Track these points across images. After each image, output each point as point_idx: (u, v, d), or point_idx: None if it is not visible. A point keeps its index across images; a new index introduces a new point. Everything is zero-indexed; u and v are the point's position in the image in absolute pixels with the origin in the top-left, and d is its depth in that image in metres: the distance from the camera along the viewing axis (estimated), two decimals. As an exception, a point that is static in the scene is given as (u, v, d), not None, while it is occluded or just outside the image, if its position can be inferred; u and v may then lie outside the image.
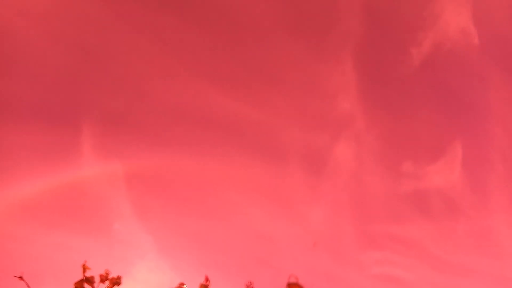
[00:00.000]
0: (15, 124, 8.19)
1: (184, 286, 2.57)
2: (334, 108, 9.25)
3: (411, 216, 9.09)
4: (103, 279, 2.45)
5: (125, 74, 8.96)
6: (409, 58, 8.92)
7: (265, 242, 8.88)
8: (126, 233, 8.29)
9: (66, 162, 8.40)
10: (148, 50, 9.04)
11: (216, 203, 9.10)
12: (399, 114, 9.43)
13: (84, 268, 2.44)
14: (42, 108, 8.44)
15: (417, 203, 9.07)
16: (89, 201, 8.56)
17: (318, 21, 8.97)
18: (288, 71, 9.50)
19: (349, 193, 9.33)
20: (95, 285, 2.40)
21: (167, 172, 9.22)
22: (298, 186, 9.18)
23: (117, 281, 2.49)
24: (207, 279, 2.40)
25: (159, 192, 9.17)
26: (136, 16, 8.65)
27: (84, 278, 2.41)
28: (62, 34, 8.27)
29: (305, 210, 9.19)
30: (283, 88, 9.63)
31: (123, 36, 8.74)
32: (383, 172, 9.32)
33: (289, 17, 9.06)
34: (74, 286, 2.38)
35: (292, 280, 2.19)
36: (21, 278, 2.20)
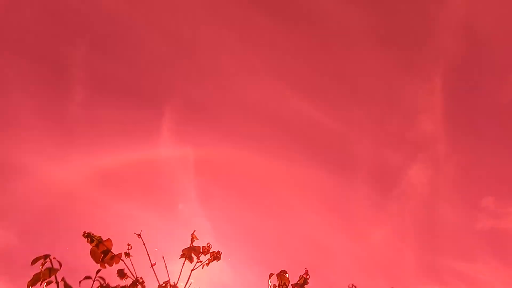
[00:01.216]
0: (109, 99, 9.09)
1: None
2: (415, 128, 8.70)
3: (483, 256, 8.21)
4: (205, 251, 2.52)
5: (211, 67, 9.39)
6: (507, 86, 7.96)
7: (319, 251, 8.69)
8: (188, 215, 8.74)
9: (146, 140, 9.11)
10: (236, 46, 9.35)
11: (277, 203, 9.15)
12: (485, 144, 8.52)
13: (193, 238, 2.53)
14: (133, 88, 9.24)
15: (492, 243, 8.17)
16: (160, 179, 9.17)
17: (411, 35, 8.47)
18: (371, 83, 9.14)
19: (417, 219, 8.74)
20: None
21: (234, 165, 9.50)
22: (363, 202, 8.84)
23: (217, 255, 2.55)
24: (307, 273, 2.41)
25: (224, 183, 9.48)
26: (229, 12, 8.99)
27: (192, 247, 2.50)
28: (160, 23, 8.95)
29: (367, 228, 8.83)
30: (364, 99, 9.29)
31: (214, 31, 9.16)
32: (458, 203, 8.53)
33: (380, 28, 8.69)
34: (182, 252, 2.50)
35: None
36: (139, 235, 2.38)
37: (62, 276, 2.14)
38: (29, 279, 2.13)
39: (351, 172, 8.93)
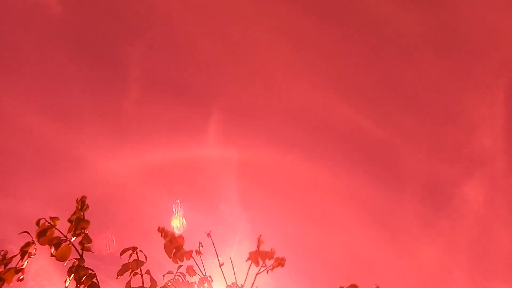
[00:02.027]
0: (161, 97, 9.49)
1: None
2: (472, 142, 8.03)
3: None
4: (270, 256, 2.56)
5: (259, 70, 9.42)
6: None
7: (362, 265, 8.37)
8: (228, 216, 8.85)
9: (192, 139, 9.38)
10: (285, 50, 9.28)
11: (319, 211, 8.95)
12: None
13: (259, 242, 2.60)
14: (184, 87, 9.55)
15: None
16: (203, 178, 9.39)
17: (471, 43, 7.79)
18: (427, 93, 8.58)
19: (470, 239, 8.09)
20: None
21: (278, 169, 9.45)
22: (412, 218, 8.36)
23: (281, 262, 2.58)
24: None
25: (266, 187, 9.47)
26: (281, 16, 8.95)
27: (258, 251, 2.57)
28: (212, 26, 9.15)
29: (415, 246, 8.32)
30: (418, 110, 8.76)
31: (263, 34, 9.17)
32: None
33: (439, 35, 8.11)
34: (248, 255, 2.57)
35: None
36: (208, 235, 2.52)
37: (146, 269, 2.23)
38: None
39: (400, 185, 8.48)
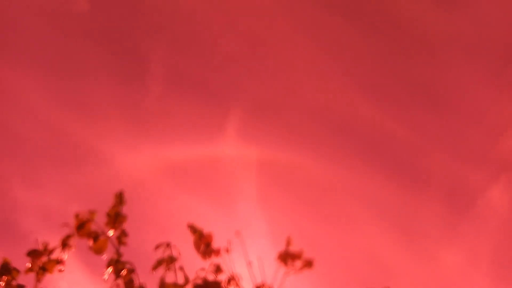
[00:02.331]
0: (182, 94, 9.52)
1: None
2: (499, 145, 7.75)
3: None
4: (298, 257, 2.54)
5: (281, 68, 9.35)
6: None
7: (380, 269, 8.20)
8: (246, 214, 8.81)
9: (212, 137, 9.38)
10: (308, 48, 9.19)
11: (338, 213, 8.83)
12: None
13: (289, 242, 2.56)
14: (205, 84, 9.56)
15: None
16: (222, 176, 9.38)
17: (501, 44, 7.53)
18: (454, 94, 8.35)
19: (494, 246, 7.84)
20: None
21: (297, 169, 9.36)
22: (434, 222, 8.16)
23: (309, 263, 2.55)
24: None
25: (285, 187, 9.39)
26: (304, 13, 8.85)
27: (287, 251, 2.53)
28: (234, 23, 9.12)
29: (436, 250, 8.11)
30: (444, 111, 8.53)
31: (287, 31, 9.09)
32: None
33: (470, 35, 7.87)
34: (278, 256, 2.52)
35: None
36: (237, 233, 2.50)
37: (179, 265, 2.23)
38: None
39: (423, 188, 8.29)
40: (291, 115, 9.48)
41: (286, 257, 2.40)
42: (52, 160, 8.71)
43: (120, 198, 2.16)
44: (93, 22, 8.86)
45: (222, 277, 2.28)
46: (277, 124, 9.52)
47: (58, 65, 8.83)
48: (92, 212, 2.09)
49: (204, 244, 2.31)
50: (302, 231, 8.47)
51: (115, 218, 2.12)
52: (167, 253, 2.21)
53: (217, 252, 2.33)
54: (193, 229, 2.33)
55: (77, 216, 2.09)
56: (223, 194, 9.24)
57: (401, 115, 8.55)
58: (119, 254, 2.05)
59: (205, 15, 9.19)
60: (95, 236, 2.04)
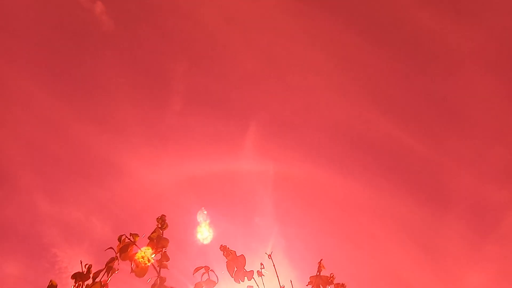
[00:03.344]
0: (201, 111, 9.68)
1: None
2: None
3: None
4: (330, 282, 2.56)
5: (298, 84, 9.44)
6: None
7: (402, 289, 8.06)
8: (263, 230, 8.82)
9: (229, 151, 9.48)
10: (325, 65, 9.27)
11: (356, 230, 8.76)
12: None
13: (320, 267, 2.59)
14: (224, 101, 9.70)
15: None
16: (239, 190, 9.44)
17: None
18: (475, 111, 8.28)
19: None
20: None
21: (314, 185, 9.35)
22: (458, 241, 8.00)
23: (342, 286, 2.57)
24: None
25: (301, 202, 9.38)
26: (320, 31, 8.97)
27: (319, 275, 2.56)
28: (253, 41, 9.29)
29: (460, 271, 7.94)
30: (465, 128, 8.45)
31: (304, 49, 9.21)
32: None
33: (489, 51, 7.83)
34: (309, 279, 2.57)
35: None
36: (269, 256, 2.55)
37: None
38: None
39: (444, 206, 8.16)
40: (309, 131, 9.52)
41: (318, 282, 2.43)
42: (74, 174, 8.93)
43: (162, 222, 2.24)
44: (117, 41, 9.16)
45: None
46: (295, 140, 9.56)
47: (82, 82, 9.12)
48: (134, 236, 2.16)
49: (236, 267, 2.35)
50: (320, 247, 8.43)
51: (158, 242, 2.19)
52: (205, 277, 2.26)
53: (250, 275, 2.37)
54: (226, 252, 2.38)
55: (119, 239, 2.16)
56: (242, 209, 9.28)
57: (421, 131, 8.50)
58: (161, 278, 2.11)
59: (224, 34, 9.41)
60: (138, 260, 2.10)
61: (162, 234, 2.27)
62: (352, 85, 9.18)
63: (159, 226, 2.26)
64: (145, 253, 2.15)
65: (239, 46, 9.55)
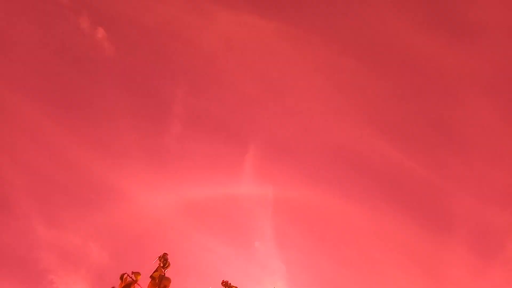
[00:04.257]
0: (200, 134, 9.71)
1: None
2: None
3: None
4: None
5: (297, 108, 9.51)
6: None
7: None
8: (263, 254, 8.69)
9: (228, 175, 9.46)
10: (323, 89, 9.36)
11: (357, 253, 8.64)
12: None
13: None
14: (223, 124, 9.76)
15: None
16: (239, 214, 9.37)
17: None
18: (474, 133, 8.31)
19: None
20: None
21: (314, 208, 9.29)
22: (460, 265, 7.89)
23: None
24: None
25: (302, 225, 9.30)
26: (318, 56, 9.10)
27: None
28: (252, 66, 9.42)
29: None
30: (464, 151, 8.46)
31: (302, 73, 9.32)
32: None
33: (487, 74, 7.91)
34: None
35: None
36: None
37: None
38: None
39: (446, 230, 8.09)
40: (309, 154, 9.54)
41: None
42: (73, 199, 8.88)
43: (164, 261, 2.21)
44: (117, 66, 9.28)
45: None
46: (295, 163, 9.56)
47: (82, 107, 9.18)
48: (136, 274, 2.13)
49: None
50: (321, 272, 8.27)
51: (160, 281, 2.16)
52: None
53: None
54: (228, 287, 2.35)
55: (121, 277, 2.13)
56: (241, 233, 9.16)
57: (421, 153, 8.50)
58: None
59: (223, 60, 9.56)
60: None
61: (164, 273, 2.24)
62: (351, 109, 9.24)
63: (161, 265, 2.23)
64: None
65: (238, 71, 9.68)
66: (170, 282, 2.09)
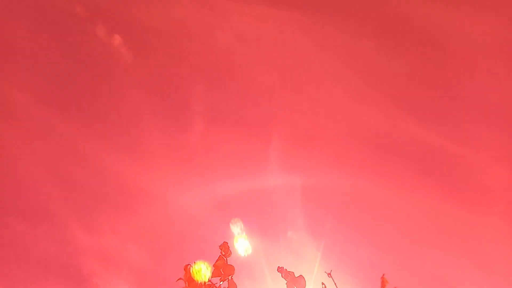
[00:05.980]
0: (223, 130, 9.77)
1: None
2: None
3: None
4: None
5: (318, 95, 9.43)
6: None
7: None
8: (297, 244, 8.71)
9: (255, 168, 9.48)
10: (341, 73, 9.25)
11: (393, 236, 8.55)
12: None
13: (384, 282, 2.59)
14: (244, 118, 9.77)
15: None
16: (268, 205, 9.39)
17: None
18: (504, 105, 8.04)
19: None
20: None
21: (344, 193, 9.22)
22: (500, 237, 7.67)
23: None
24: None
25: (333, 212, 9.24)
26: (333, 41, 8.99)
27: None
28: (267, 57, 9.39)
29: (508, 271, 7.59)
30: (495, 122, 8.23)
31: (319, 60, 9.23)
32: None
33: (510, 39, 7.63)
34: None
35: None
36: (329, 274, 2.52)
37: None
38: None
39: (482, 202, 7.88)
40: (333, 140, 9.45)
41: None
42: (107, 204, 9.10)
43: (225, 249, 2.25)
44: (136, 71, 9.41)
45: None
46: (320, 150, 9.50)
47: (107, 114, 9.37)
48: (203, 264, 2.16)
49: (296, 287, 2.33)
50: (357, 257, 8.24)
51: (224, 270, 2.19)
52: None
53: None
54: (285, 274, 2.36)
55: (187, 268, 2.17)
56: (272, 224, 9.20)
57: (450, 130, 8.31)
58: None
59: (239, 54, 9.55)
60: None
61: (227, 262, 2.27)
62: (372, 90, 9.11)
63: (223, 253, 2.26)
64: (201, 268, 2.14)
65: (254, 63, 9.66)
66: (234, 270, 2.10)
